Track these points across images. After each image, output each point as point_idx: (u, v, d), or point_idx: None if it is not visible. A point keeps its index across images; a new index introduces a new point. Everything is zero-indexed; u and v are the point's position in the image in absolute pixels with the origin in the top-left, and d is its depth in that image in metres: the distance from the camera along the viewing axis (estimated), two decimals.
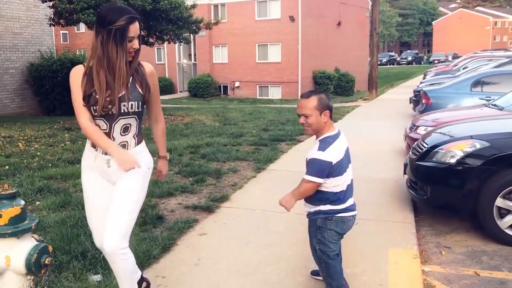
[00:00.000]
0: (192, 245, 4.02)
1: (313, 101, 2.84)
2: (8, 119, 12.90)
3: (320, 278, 3.20)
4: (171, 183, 5.86)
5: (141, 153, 2.72)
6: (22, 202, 2.72)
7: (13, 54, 14.46)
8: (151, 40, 14.31)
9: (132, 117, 2.63)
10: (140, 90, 2.62)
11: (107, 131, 2.59)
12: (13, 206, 2.65)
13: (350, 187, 2.97)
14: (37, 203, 5.04)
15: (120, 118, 2.59)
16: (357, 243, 4.03)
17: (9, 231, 2.61)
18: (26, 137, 9.50)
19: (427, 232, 4.53)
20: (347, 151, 2.95)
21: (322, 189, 2.88)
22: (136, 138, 2.70)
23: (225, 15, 27.95)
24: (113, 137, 2.60)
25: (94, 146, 2.63)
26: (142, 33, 14.66)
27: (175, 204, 5.16)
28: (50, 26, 13.70)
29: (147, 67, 2.71)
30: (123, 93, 2.54)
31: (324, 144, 2.84)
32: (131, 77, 2.60)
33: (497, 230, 4.15)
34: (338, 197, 2.90)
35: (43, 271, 2.74)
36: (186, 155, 7.71)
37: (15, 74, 14.56)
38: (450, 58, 51.40)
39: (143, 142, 2.78)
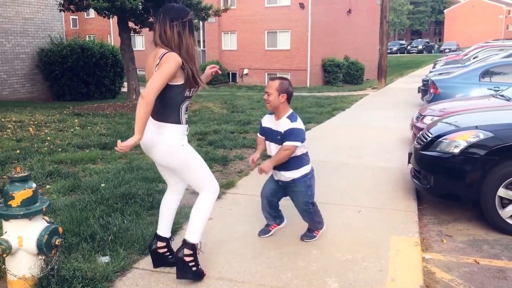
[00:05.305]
0: None
1: (276, 83, 3.52)
2: (19, 103, 13.05)
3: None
4: None
5: None
6: (34, 185, 2.82)
7: (23, 39, 14.57)
8: None
9: None
10: None
11: (182, 110, 2.98)
12: (25, 189, 2.76)
13: None
14: (48, 186, 5.16)
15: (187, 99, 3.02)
16: (359, 230, 4.10)
17: (21, 213, 2.72)
18: (36, 122, 9.64)
19: (430, 220, 4.59)
20: None
21: (300, 153, 3.60)
22: None
23: (234, 1, 27.84)
24: (183, 114, 2.99)
25: (182, 122, 2.98)
26: (151, 19, 14.60)
27: None
28: (60, 11, 13.75)
29: None
30: None
31: (293, 117, 3.55)
32: None
33: (499, 220, 4.19)
34: (308, 157, 3.73)
35: (53, 252, 2.85)
36: (194, 142, 7.79)
37: (25, 59, 14.69)
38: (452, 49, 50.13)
39: None
